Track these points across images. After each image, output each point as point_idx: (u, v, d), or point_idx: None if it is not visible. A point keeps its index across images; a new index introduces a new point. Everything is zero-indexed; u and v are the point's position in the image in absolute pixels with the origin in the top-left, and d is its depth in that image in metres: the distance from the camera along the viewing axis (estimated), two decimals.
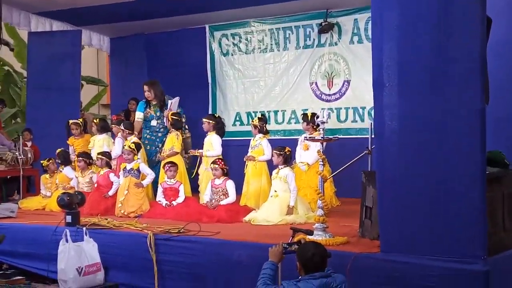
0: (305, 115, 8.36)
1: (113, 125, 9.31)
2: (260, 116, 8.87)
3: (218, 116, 9.16)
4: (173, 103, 9.21)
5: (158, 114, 9.27)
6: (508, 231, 5.48)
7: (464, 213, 4.80)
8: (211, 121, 8.74)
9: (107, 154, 8.71)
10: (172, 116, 8.90)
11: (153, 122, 9.26)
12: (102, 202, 8.23)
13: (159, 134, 9.24)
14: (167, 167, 8.22)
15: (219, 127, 8.79)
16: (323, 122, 6.07)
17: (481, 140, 4.78)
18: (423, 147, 4.99)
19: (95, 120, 9.63)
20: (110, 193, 8.34)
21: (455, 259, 4.78)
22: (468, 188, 4.79)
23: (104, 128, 9.52)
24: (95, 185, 8.60)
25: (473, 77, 4.80)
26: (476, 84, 4.79)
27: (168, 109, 9.13)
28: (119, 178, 8.41)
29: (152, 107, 9.34)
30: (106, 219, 7.42)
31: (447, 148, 4.89)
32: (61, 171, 9.08)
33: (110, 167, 8.64)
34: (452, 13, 4.87)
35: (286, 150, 7.59)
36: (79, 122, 9.63)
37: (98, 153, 8.74)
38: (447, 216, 4.87)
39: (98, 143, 9.32)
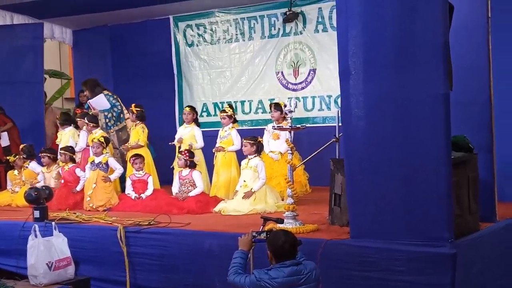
0: (277, 105, 8.36)
1: (78, 119, 9.22)
2: (228, 106, 8.88)
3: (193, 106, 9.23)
4: (92, 102, 9.10)
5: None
6: (473, 214, 5.61)
7: (430, 197, 4.89)
8: (194, 113, 8.75)
9: (70, 149, 8.63)
10: (136, 108, 8.84)
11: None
12: (70, 197, 8.18)
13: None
14: (132, 160, 8.19)
15: (197, 119, 8.85)
16: (290, 111, 6.10)
17: (446, 125, 4.87)
18: (389, 133, 5.07)
19: (58, 116, 9.53)
20: (78, 188, 8.29)
21: (423, 243, 4.87)
22: (434, 172, 4.88)
23: (67, 121, 9.45)
24: (62, 180, 8.51)
25: (436, 62, 4.88)
26: (440, 70, 4.88)
27: (92, 109, 9.07)
28: (84, 171, 8.34)
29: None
30: (75, 213, 7.38)
31: (413, 134, 4.97)
32: (26, 167, 8.97)
33: (74, 161, 8.57)
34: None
35: (258, 140, 7.62)
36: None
37: (61, 148, 8.69)
38: (414, 201, 4.96)
39: (65, 137, 9.25)
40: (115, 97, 9.32)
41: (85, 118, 8.81)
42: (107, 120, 9.12)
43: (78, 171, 8.39)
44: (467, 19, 6.11)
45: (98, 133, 8.55)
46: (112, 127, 9.17)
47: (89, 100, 9.18)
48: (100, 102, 9.12)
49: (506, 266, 5.88)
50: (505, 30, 6.95)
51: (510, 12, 6.63)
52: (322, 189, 7.17)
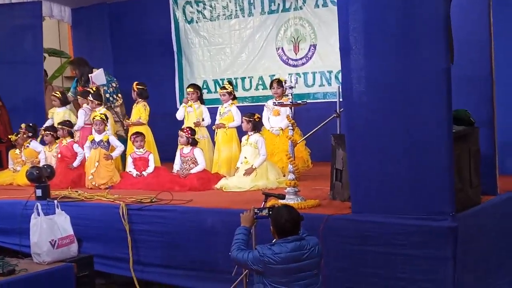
0: (280, 81, 8.30)
1: (79, 96, 9.20)
2: (227, 82, 8.86)
3: (198, 84, 9.22)
4: (93, 77, 9.12)
5: None
6: (475, 188, 5.62)
7: (432, 171, 4.90)
8: (198, 91, 8.71)
9: (68, 124, 8.62)
10: (137, 86, 8.82)
11: None
12: (68, 173, 8.19)
13: None
14: (133, 138, 8.19)
15: (202, 96, 8.82)
16: (291, 87, 6.08)
17: (447, 99, 4.86)
18: (391, 107, 5.06)
19: (56, 94, 9.49)
20: (75, 164, 8.31)
21: (425, 217, 4.89)
22: (435, 146, 4.89)
23: (65, 101, 9.44)
24: (59, 155, 8.50)
25: (437, 36, 4.86)
26: (441, 44, 4.86)
27: (91, 83, 9.09)
28: (83, 150, 8.35)
29: (79, 84, 9.53)
30: (77, 191, 7.42)
31: (414, 108, 4.97)
32: (27, 146, 8.97)
33: (72, 136, 8.58)
34: None
35: (255, 117, 7.60)
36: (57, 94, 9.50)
37: (59, 123, 8.67)
38: (415, 175, 4.97)
39: (58, 116, 9.22)
40: (108, 73, 9.42)
41: (90, 96, 8.77)
42: (109, 95, 9.15)
43: (76, 147, 8.40)
44: None
45: (102, 111, 8.54)
46: (115, 102, 9.23)
47: (91, 74, 9.18)
48: (100, 76, 9.16)
49: (507, 239, 5.91)
50: (506, 2, 6.89)
51: None
52: (324, 164, 7.17)
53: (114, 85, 9.34)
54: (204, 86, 10.87)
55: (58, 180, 7.88)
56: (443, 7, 4.86)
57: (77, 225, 6.08)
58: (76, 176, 8.21)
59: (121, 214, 6.36)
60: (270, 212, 4.50)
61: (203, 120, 8.52)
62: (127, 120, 8.91)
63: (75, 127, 8.82)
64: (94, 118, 8.24)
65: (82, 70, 9.49)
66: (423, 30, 4.91)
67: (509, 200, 6.05)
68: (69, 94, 9.78)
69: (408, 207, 4.98)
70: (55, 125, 8.89)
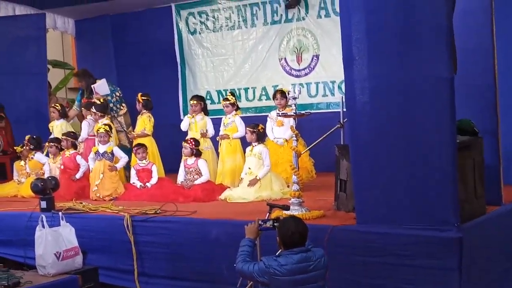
0: (283, 92, 8.29)
1: (83, 108, 9.23)
2: (230, 93, 8.87)
3: (201, 95, 9.22)
4: (96, 87, 9.16)
5: None
6: (479, 198, 5.61)
7: (436, 182, 4.90)
8: (202, 102, 8.72)
9: (71, 135, 8.64)
10: (142, 97, 8.85)
11: None
12: (71, 185, 8.20)
13: None
14: (135, 150, 8.21)
15: (206, 107, 8.83)
16: (294, 98, 6.10)
17: (451, 109, 4.87)
18: (394, 118, 5.07)
19: (56, 106, 9.52)
20: (77, 176, 8.32)
21: (429, 227, 4.89)
22: (439, 157, 4.90)
23: (64, 114, 9.50)
24: (62, 167, 8.52)
25: (440, 46, 4.88)
26: (444, 54, 4.88)
27: (95, 94, 9.12)
28: (87, 161, 8.36)
29: (85, 95, 9.54)
30: (81, 203, 7.43)
31: (418, 119, 4.98)
32: (32, 157, 8.99)
33: (75, 148, 8.59)
34: None
35: (259, 128, 7.62)
36: (57, 106, 9.53)
37: (63, 134, 8.69)
38: (420, 185, 4.97)
39: (57, 128, 9.25)
40: (111, 83, 9.46)
41: (93, 107, 8.80)
42: (112, 105, 9.19)
43: (79, 159, 8.41)
44: (471, 2, 6.09)
45: (105, 122, 8.55)
46: (119, 111, 9.26)
47: (93, 85, 9.23)
48: (103, 87, 9.18)
49: None
50: (509, 10, 6.89)
51: None
52: (328, 174, 7.17)
53: (118, 94, 9.36)
54: (208, 97, 10.89)
55: (62, 192, 7.89)
56: (446, 17, 4.87)
57: (81, 237, 6.08)
58: (79, 188, 8.22)
59: (125, 225, 6.37)
60: (275, 224, 4.50)
61: (206, 131, 8.53)
62: (132, 132, 8.92)
63: (79, 139, 8.85)
64: (98, 130, 8.25)
65: (87, 81, 9.52)
66: (426, 40, 4.93)
67: None
68: (74, 107, 9.83)
69: (413, 218, 4.98)
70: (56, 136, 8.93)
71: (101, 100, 8.88)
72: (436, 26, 4.89)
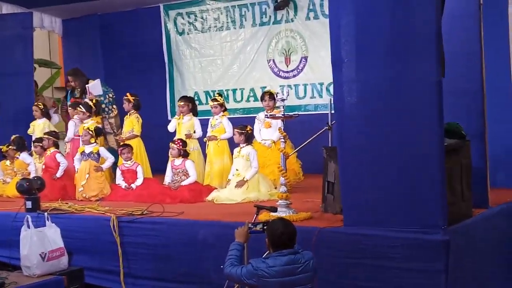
0: (271, 93, 8.27)
1: (70, 107, 9.17)
2: (218, 94, 8.86)
3: (190, 97, 9.13)
4: (90, 87, 9.11)
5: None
6: (466, 201, 5.63)
7: (424, 184, 4.91)
8: (189, 103, 8.65)
9: (54, 134, 8.59)
10: (133, 97, 8.80)
11: None
12: (53, 184, 8.13)
13: None
14: (120, 150, 8.18)
15: (195, 108, 8.76)
16: (283, 100, 6.10)
17: (439, 112, 4.88)
18: (382, 120, 5.07)
19: (38, 105, 9.47)
20: (58, 174, 8.25)
21: (417, 230, 4.88)
22: (427, 159, 4.90)
23: (46, 113, 9.49)
24: (43, 166, 8.47)
25: (429, 50, 4.89)
26: (432, 58, 4.89)
27: (88, 94, 9.08)
28: (73, 161, 8.31)
29: (77, 94, 9.47)
30: (67, 203, 7.38)
31: (406, 121, 4.98)
32: (17, 157, 8.92)
33: (57, 147, 8.54)
34: None
35: (248, 129, 7.61)
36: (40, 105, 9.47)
37: (45, 133, 8.67)
38: (407, 188, 4.98)
39: (39, 127, 9.22)
40: (105, 84, 9.40)
41: (80, 106, 8.74)
42: (105, 106, 9.15)
43: (58, 156, 8.35)
44: (460, 7, 6.12)
45: (90, 123, 8.50)
46: (110, 113, 9.23)
47: (88, 85, 9.17)
48: (97, 87, 9.15)
49: (499, 251, 5.93)
50: (497, 15, 6.94)
51: (500, 1, 6.64)
52: (315, 176, 7.17)
53: (111, 96, 9.31)
54: (196, 98, 10.85)
55: (46, 191, 7.82)
56: (435, 20, 4.88)
57: (67, 238, 6.05)
58: (61, 187, 8.15)
59: (112, 226, 6.32)
60: (265, 227, 4.50)
61: (194, 132, 8.49)
62: (120, 136, 8.85)
63: (66, 139, 8.79)
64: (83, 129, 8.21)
65: (81, 80, 9.44)
66: (415, 43, 4.94)
67: (500, 213, 6.08)
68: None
69: (400, 220, 4.98)
70: (35, 137, 8.89)
71: (94, 101, 8.82)
72: (425, 29, 4.90)
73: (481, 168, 6.09)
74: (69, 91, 9.84)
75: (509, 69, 6.50)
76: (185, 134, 8.36)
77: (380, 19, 5.07)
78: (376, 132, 5.09)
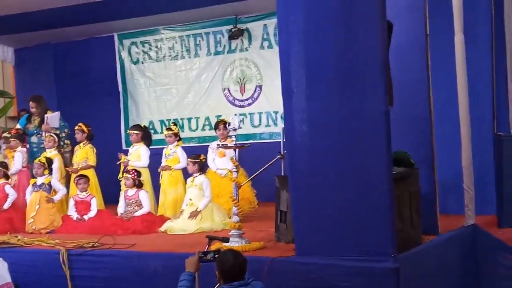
0: (225, 122, 8.22)
1: (12, 139, 8.99)
2: (173, 123, 8.83)
3: (144, 126, 9.06)
4: (49, 118, 9.05)
5: (38, 130, 9.19)
6: (416, 228, 5.69)
7: (372, 213, 4.93)
8: (138, 132, 8.58)
9: (3, 165, 8.42)
10: (88, 128, 8.71)
11: (33, 138, 9.21)
12: (1, 216, 7.92)
13: (35, 149, 9.11)
14: (76, 180, 8.05)
15: (147, 137, 8.67)
16: (234, 129, 6.10)
17: (386, 141, 4.93)
18: (332, 150, 5.10)
19: None
20: (5, 206, 8.04)
21: (367, 258, 4.90)
22: (375, 188, 4.94)
23: None
24: None
25: (376, 80, 4.95)
26: (379, 87, 4.95)
27: (45, 124, 8.99)
28: (24, 194, 8.15)
29: (32, 122, 9.32)
30: (16, 236, 7.19)
31: (355, 150, 5.02)
32: None
33: (7, 178, 8.34)
34: (354, 17, 5.02)
35: (201, 158, 7.58)
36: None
37: None
38: (356, 216, 5.00)
39: None
40: (62, 119, 9.34)
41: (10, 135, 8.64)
42: (61, 141, 9.03)
43: (7, 188, 8.14)
44: (407, 37, 6.24)
45: (51, 154, 8.44)
46: (65, 147, 9.15)
47: (47, 115, 9.07)
48: (55, 119, 9.08)
49: (449, 278, 5.98)
50: (443, 43, 7.09)
51: (446, 30, 6.80)
52: (270, 204, 7.13)
53: (66, 131, 9.25)
54: (151, 127, 10.81)
55: None
56: (380, 51, 4.96)
57: (16, 272, 5.90)
58: (7, 219, 7.92)
59: (61, 260, 6.18)
60: (216, 256, 4.47)
61: (135, 161, 8.38)
62: (73, 167, 8.72)
63: (12, 171, 8.55)
64: (34, 162, 8.07)
65: (43, 108, 9.32)
66: (362, 74, 5.00)
67: (450, 240, 6.14)
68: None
69: (351, 249, 4.99)
70: None
71: (52, 133, 8.76)
72: (372, 60, 4.97)
73: (430, 195, 6.17)
74: (26, 116, 9.59)
75: (456, 96, 6.62)
76: (122, 162, 8.26)
77: (328, 50, 5.13)
78: (325, 161, 5.12)
